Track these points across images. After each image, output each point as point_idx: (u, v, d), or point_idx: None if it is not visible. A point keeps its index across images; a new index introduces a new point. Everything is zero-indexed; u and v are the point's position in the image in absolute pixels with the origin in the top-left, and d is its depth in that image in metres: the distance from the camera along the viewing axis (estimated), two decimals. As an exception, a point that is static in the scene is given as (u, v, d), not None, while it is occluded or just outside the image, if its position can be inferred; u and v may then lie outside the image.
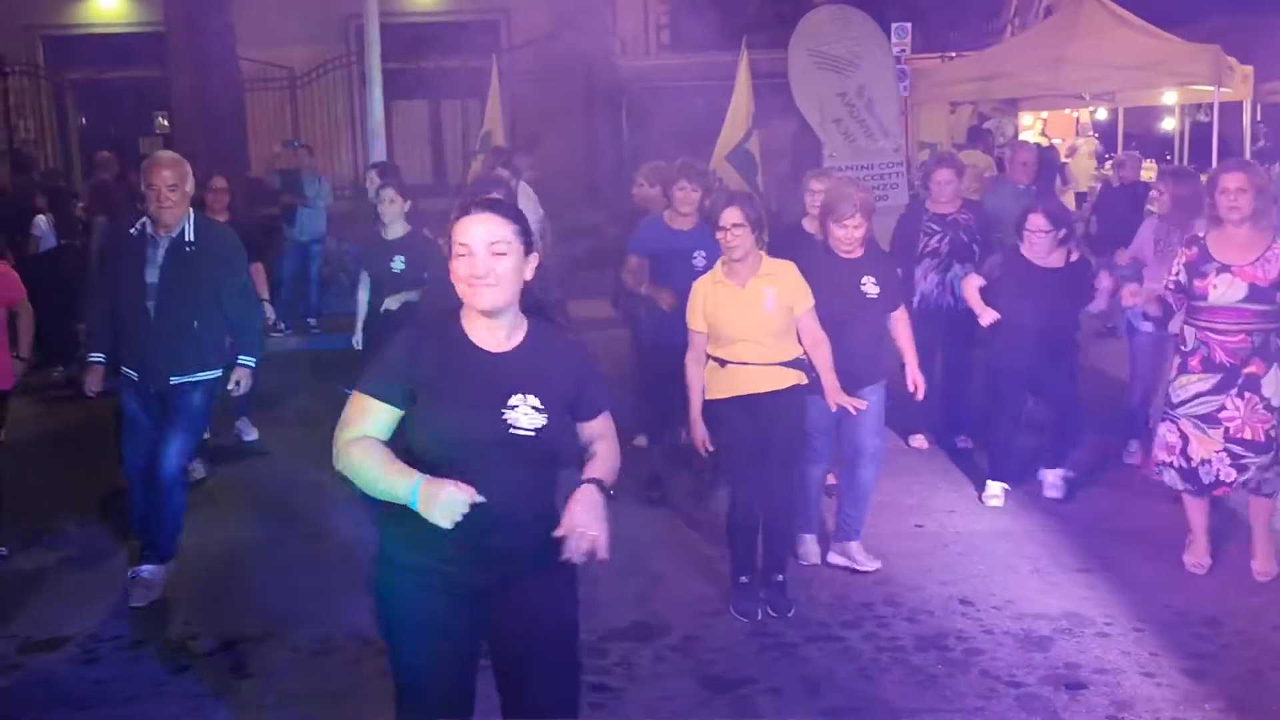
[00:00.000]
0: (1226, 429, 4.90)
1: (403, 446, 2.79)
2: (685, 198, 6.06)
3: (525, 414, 2.74)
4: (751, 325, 4.77)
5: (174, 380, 5.12)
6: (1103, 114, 16.64)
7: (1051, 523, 5.74)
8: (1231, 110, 13.04)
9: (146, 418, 5.22)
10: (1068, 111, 16.50)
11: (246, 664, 4.57)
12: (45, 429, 8.13)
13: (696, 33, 17.43)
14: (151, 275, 5.05)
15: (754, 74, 10.25)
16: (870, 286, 5.13)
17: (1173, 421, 5.04)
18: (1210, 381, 4.91)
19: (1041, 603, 4.84)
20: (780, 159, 16.41)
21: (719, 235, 4.82)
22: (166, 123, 16.92)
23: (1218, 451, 4.92)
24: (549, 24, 16.59)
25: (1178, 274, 4.98)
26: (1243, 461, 4.90)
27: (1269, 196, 4.93)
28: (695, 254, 5.95)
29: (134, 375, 5.17)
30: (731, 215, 4.75)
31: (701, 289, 4.90)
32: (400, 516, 2.70)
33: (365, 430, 2.76)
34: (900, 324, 5.30)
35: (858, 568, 5.22)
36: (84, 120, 17.49)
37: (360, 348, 6.59)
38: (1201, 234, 5.04)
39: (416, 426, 2.76)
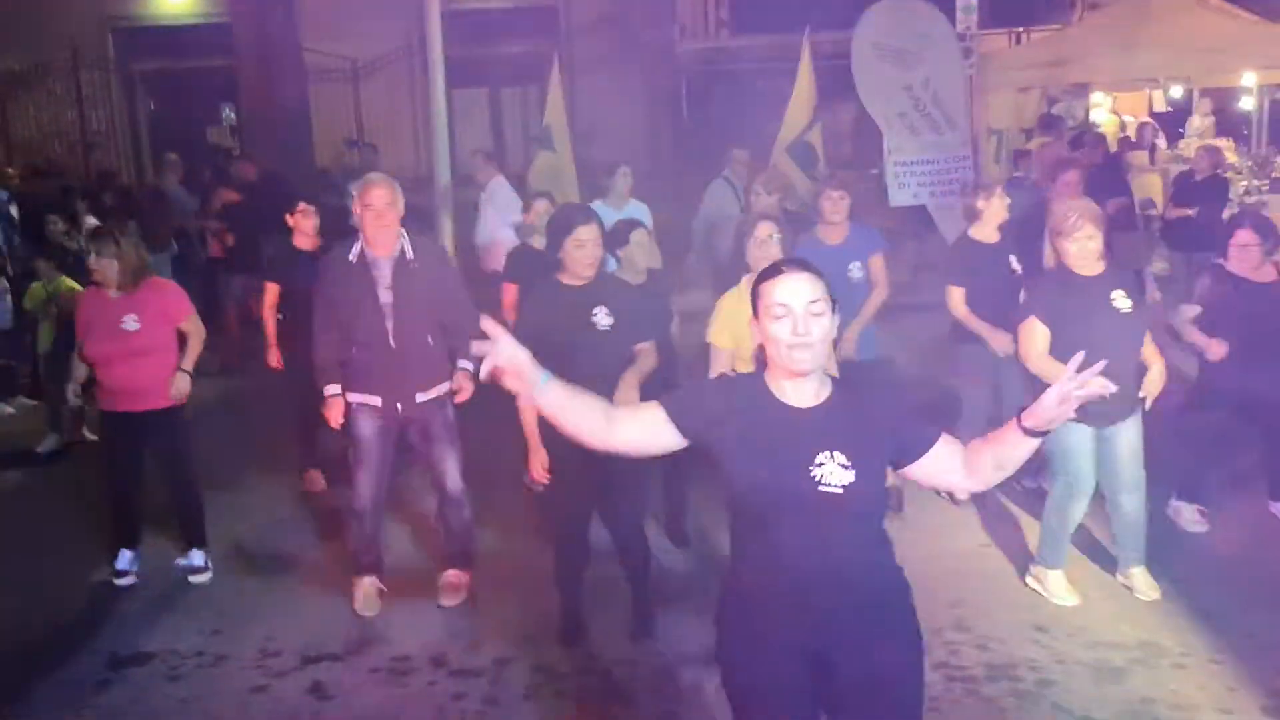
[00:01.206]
0: None
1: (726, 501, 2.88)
2: (834, 207, 6.09)
3: (832, 471, 2.72)
4: None
5: (420, 399, 5.19)
6: (1177, 92, 16.24)
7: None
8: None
9: (385, 444, 5.26)
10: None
11: (325, 684, 4.67)
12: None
13: (757, 14, 17.28)
14: (385, 297, 5.10)
15: (816, 55, 10.13)
16: (1122, 300, 4.90)
17: None
18: None
19: (1116, 630, 4.78)
20: (843, 141, 16.26)
21: (752, 250, 4.88)
22: (233, 114, 17.16)
23: None
24: (608, 8, 16.54)
25: None
26: None
27: None
28: (850, 265, 5.92)
29: (375, 400, 5.17)
30: (765, 229, 4.88)
31: (730, 306, 4.86)
32: (739, 571, 2.85)
33: (632, 412, 2.87)
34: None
35: (1135, 594, 5.09)
36: (153, 108, 17.76)
37: None
38: None
39: (729, 484, 2.81)
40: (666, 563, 5.53)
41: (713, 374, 4.84)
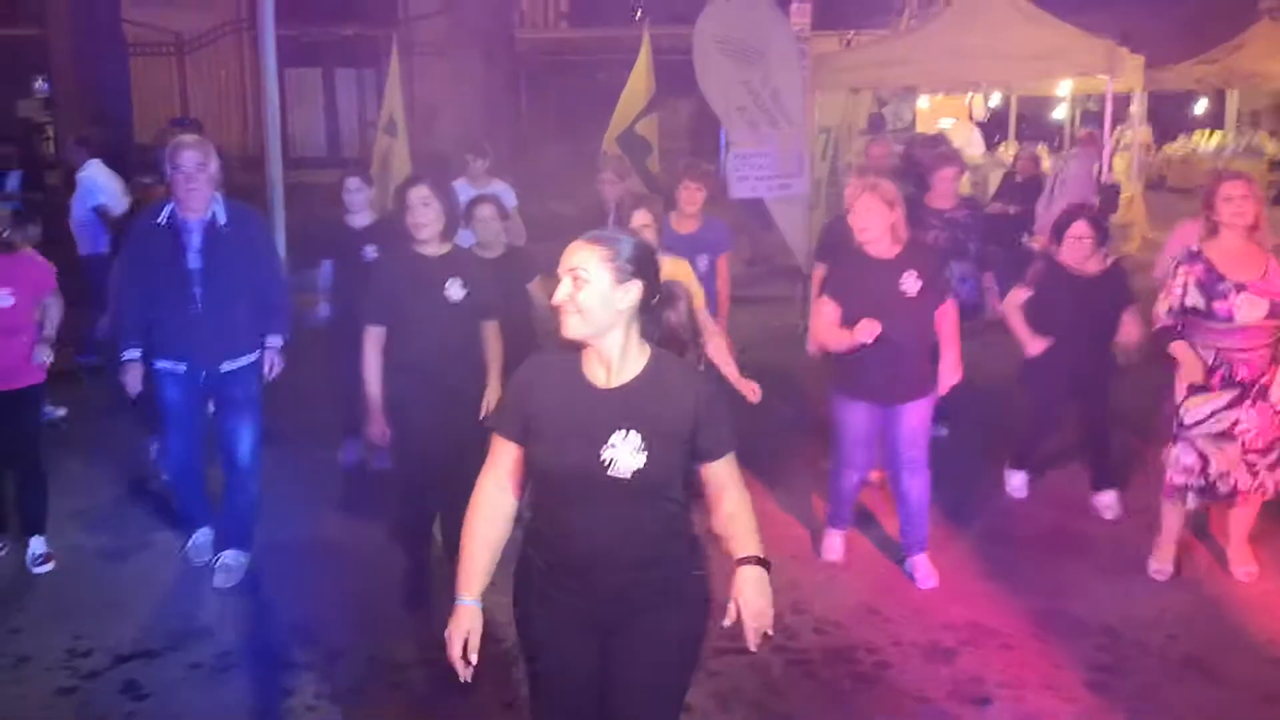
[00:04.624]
0: (1242, 442, 4.91)
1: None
2: (690, 197, 6.15)
3: (624, 454, 2.66)
4: None
5: (226, 367, 5.11)
6: (996, 99, 16.96)
7: (955, 528, 5.77)
8: (1119, 100, 13.37)
9: (193, 409, 5.21)
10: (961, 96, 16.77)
11: (140, 683, 4.39)
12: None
13: (596, 7, 17.30)
14: (193, 262, 4.98)
15: (654, 50, 10.15)
16: (911, 283, 4.94)
17: (1188, 443, 4.99)
18: (1226, 398, 4.89)
19: (946, 612, 4.89)
20: (680, 137, 16.42)
21: None
22: (45, 85, 16.21)
23: (1237, 465, 4.94)
24: (446, -7, 16.30)
25: (1183, 295, 4.88)
26: (1255, 468, 4.94)
27: (1264, 207, 4.94)
28: (697, 257, 5.91)
29: (179, 367, 5.09)
30: (642, 217, 4.96)
31: None
32: (535, 539, 2.86)
33: (497, 469, 2.87)
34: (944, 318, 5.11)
35: (915, 583, 5.15)
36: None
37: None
38: (1197, 248, 4.93)
39: (529, 462, 2.80)
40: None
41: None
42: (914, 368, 5.01)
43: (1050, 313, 5.86)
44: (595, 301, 2.66)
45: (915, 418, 5.08)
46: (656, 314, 2.80)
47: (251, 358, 5.22)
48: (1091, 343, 5.80)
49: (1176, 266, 4.94)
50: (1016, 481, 6.25)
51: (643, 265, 2.71)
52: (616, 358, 2.72)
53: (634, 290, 2.69)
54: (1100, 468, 6.04)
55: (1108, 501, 5.97)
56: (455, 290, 4.69)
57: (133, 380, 5.10)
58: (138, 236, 5.18)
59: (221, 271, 5.02)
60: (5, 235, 5.31)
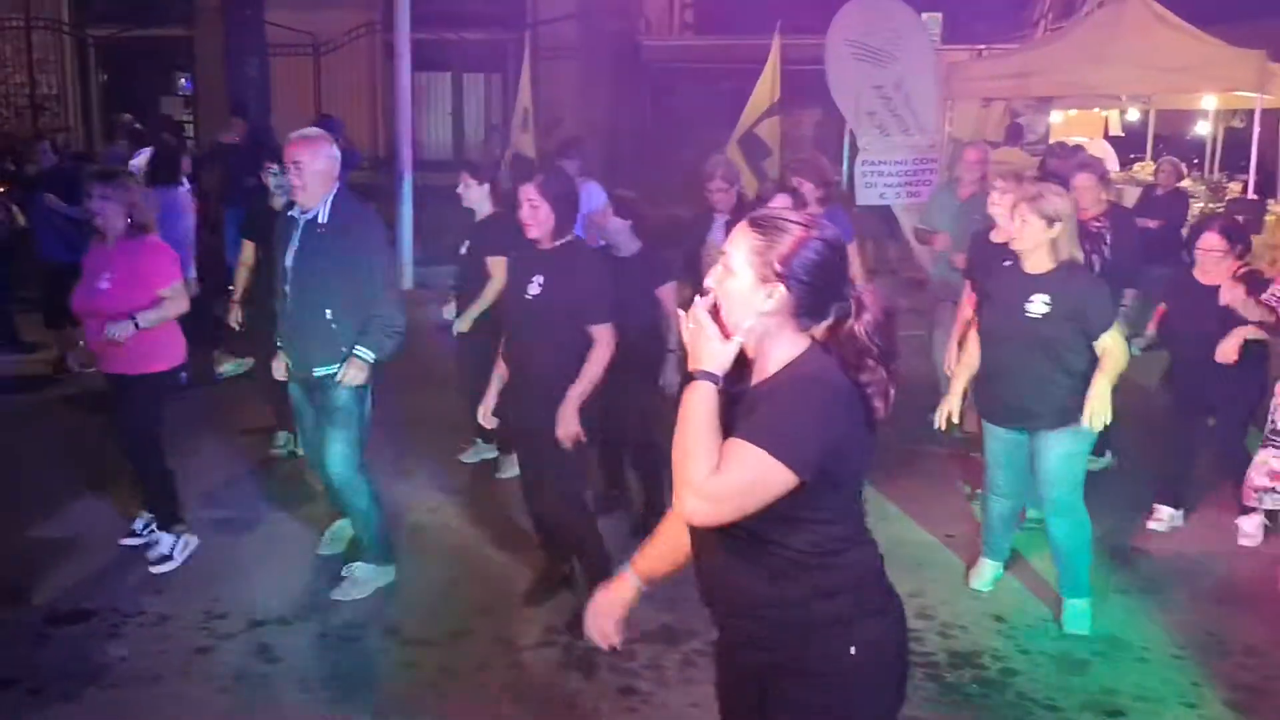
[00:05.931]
0: None
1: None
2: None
3: None
4: None
5: (317, 372, 4.79)
6: (1134, 115, 16.43)
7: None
8: (1268, 116, 12.83)
9: (308, 408, 5.00)
10: (1097, 111, 16.30)
11: (272, 647, 4.53)
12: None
13: (720, 15, 17.32)
14: (289, 259, 4.80)
15: (781, 60, 10.14)
16: (1039, 305, 4.51)
17: (1277, 447, 4.83)
18: None
19: (1078, 623, 4.76)
20: (803, 145, 16.31)
21: None
22: (188, 85, 16.84)
23: None
24: (574, 0, 16.47)
25: None
26: None
27: None
28: None
29: (290, 363, 4.95)
30: (783, 200, 5.18)
31: None
32: None
33: None
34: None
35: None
36: (105, 78, 17.35)
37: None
38: None
39: None
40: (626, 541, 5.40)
41: None
42: (1029, 398, 4.59)
43: (1181, 325, 5.67)
44: (732, 297, 2.32)
45: (1046, 452, 4.62)
46: (833, 323, 2.36)
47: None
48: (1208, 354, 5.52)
49: None
50: (1164, 515, 5.82)
51: (795, 268, 2.29)
52: (757, 359, 2.36)
53: (777, 294, 2.29)
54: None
55: (1252, 529, 5.61)
56: (534, 287, 4.57)
57: (279, 369, 5.07)
58: (276, 228, 5.08)
59: (310, 273, 4.74)
60: (136, 218, 5.11)
